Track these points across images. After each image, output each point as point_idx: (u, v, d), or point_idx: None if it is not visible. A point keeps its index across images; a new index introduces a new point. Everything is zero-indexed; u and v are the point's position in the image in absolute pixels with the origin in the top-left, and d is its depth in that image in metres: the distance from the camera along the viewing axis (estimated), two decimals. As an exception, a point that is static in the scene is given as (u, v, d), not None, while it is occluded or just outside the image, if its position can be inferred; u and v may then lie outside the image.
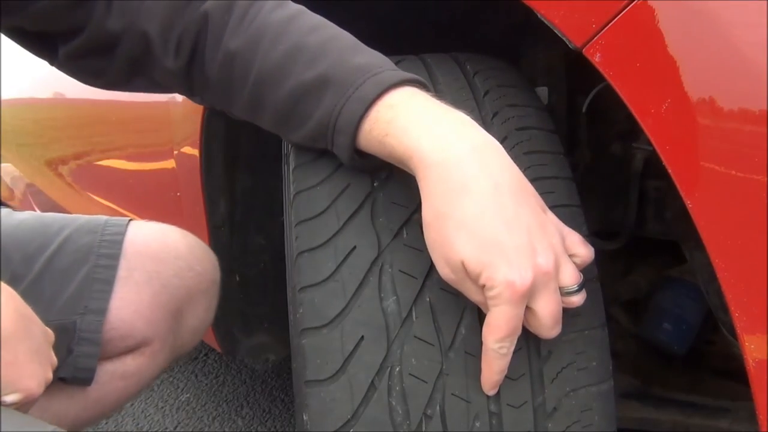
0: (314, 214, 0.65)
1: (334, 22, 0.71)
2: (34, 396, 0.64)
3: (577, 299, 0.60)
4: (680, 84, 0.54)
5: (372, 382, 0.60)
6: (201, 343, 1.91)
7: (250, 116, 0.73)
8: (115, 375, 0.93)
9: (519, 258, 0.56)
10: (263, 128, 0.73)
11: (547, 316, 0.58)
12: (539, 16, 0.63)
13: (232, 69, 0.71)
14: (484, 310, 0.59)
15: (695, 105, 0.54)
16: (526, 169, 0.66)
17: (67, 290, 0.91)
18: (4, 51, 1.92)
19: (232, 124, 1.04)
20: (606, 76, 0.58)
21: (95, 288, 0.91)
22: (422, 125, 0.60)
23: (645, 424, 1.10)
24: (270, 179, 1.10)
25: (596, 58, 0.59)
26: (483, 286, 0.57)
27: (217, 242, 1.17)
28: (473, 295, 0.59)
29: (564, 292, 0.59)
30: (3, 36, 0.77)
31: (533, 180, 0.65)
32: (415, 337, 0.61)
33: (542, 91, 1.00)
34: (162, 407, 1.84)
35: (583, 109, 1.01)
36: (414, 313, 0.62)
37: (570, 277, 0.59)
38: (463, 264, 0.57)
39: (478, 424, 0.60)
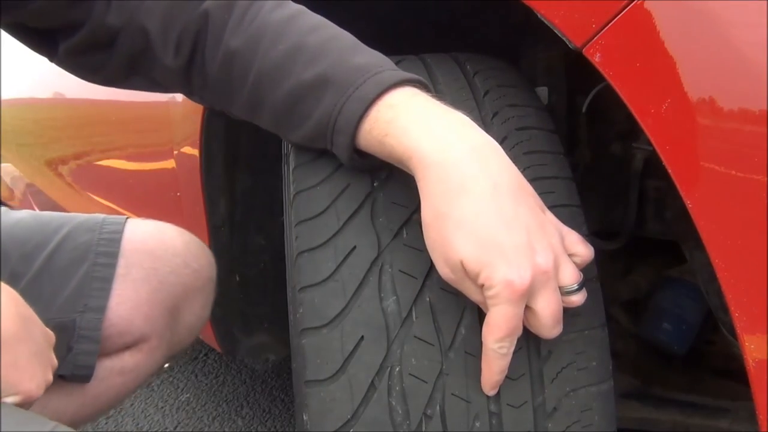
0: (314, 214, 0.65)
1: (334, 22, 0.71)
2: (33, 398, 0.64)
3: (577, 298, 0.60)
4: (680, 84, 0.54)
5: (372, 382, 0.60)
6: (201, 343, 1.92)
7: (250, 116, 0.73)
8: (113, 371, 0.94)
9: (518, 257, 0.56)
10: (263, 128, 0.73)
11: (548, 316, 0.58)
12: (539, 16, 0.63)
13: (232, 68, 0.71)
14: (484, 310, 0.59)
15: (695, 105, 0.54)
16: (525, 168, 0.66)
17: (67, 288, 0.91)
18: (4, 51, 1.92)
19: (232, 124, 1.04)
20: (606, 76, 0.58)
21: (94, 286, 0.91)
22: (422, 126, 0.60)
23: (645, 424, 1.10)
24: (270, 179, 1.10)
25: (596, 58, 0.59)
26: (482, 286, 0.57)
27: (217, 242, 1.17)
28: (473, 294, 0.59)
29: (564, 292, 0.59)
30: (3, 36, 0.77)
31: (533, 180, 0.65)
32: (415, 337, 0.61)
33: (542, 91, 1.00)
34: (162, 407, 1.84)
35: (583, 109, 1.01)
36: (414, 313, 0.62)
37: (569, 276, 0.59)
38: (462, 264, 0.57)
39: (478, 424, 0.60)
